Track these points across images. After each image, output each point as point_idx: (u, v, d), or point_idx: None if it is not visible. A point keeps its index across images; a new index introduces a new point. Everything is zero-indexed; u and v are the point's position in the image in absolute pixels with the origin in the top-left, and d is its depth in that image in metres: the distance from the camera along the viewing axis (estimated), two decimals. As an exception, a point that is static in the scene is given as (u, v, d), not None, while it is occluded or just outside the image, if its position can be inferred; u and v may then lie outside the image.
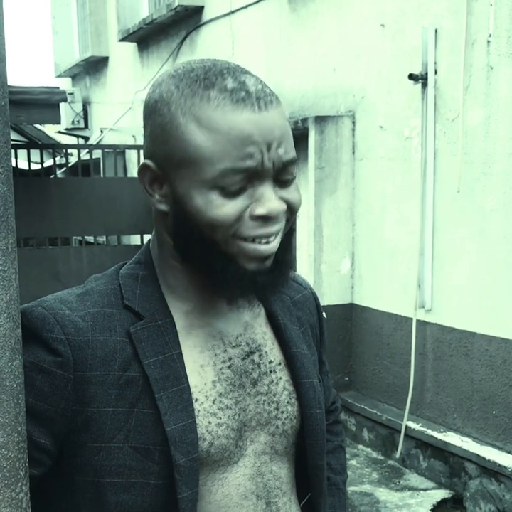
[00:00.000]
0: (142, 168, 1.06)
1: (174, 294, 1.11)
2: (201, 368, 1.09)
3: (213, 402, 1.08)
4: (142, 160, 1.07)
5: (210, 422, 1.07)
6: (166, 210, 1.06)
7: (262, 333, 1.18)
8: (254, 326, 1.17)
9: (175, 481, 1.02)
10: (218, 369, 1.10)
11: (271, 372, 1.16)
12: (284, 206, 1.03)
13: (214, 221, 1.00)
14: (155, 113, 1.03)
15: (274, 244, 1.05)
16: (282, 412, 1.16)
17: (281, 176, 1.03)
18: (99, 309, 1.06)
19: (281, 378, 1.17)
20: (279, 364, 1.17)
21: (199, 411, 1.06)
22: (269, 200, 1.01)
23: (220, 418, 1.08)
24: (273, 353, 1.17)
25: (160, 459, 1.03)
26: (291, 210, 1.07)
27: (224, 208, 1.00)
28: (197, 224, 1.01)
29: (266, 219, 1.02)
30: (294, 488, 1.21)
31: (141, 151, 7.42)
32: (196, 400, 1.07)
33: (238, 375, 1.12)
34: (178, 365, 1.06)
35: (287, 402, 1.16)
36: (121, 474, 1.03)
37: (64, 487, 1.06)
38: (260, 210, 1.01)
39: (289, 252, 1.10)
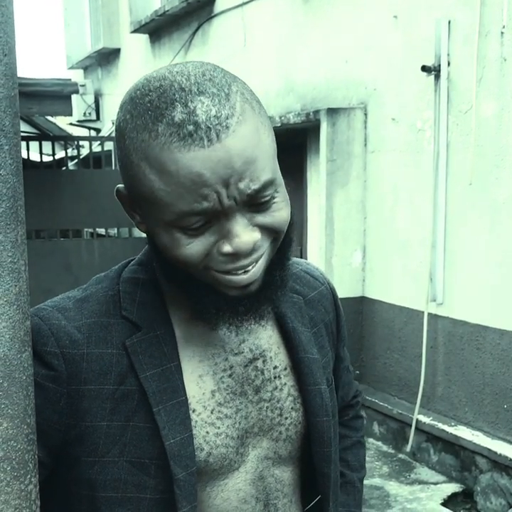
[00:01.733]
0: (117, 193, 1.02)
1: (175, 300, 1.07)
2: (200, 378, 1.06)
3: (212, 412, 1.06)
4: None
5: (207, 432, 1.05)
6: (145, 230, 1.02)
7: (268, 337, 1.14)
8: (258, 330, 1.13)
9: (174, 496, 1.00)
10: (218, 378, 1.08)
11: (275, 378, 1.13)
12: (256, 237, 0.94)
13: (180, 259, 0.95)
14: (118, 142, 0.98)
15: (253, 272, 0.97)
16: (286, 418, 1.13)
17: (253, 204, 0.94)
18: (96, 319, 1.03)
19: (285, 384, 1.14)
20: (285, 369, 1.14)
21: (196, 421, 1.04)
22: (236, 236, 0.93)
23: (219, 428, 1.06)
24: (278, 358, 1.14)
25: (156, 473, 1.01)
26: (275, 231, 0.98)
27: (189, 247, 0.94)
28: (169, 257, 0.97)
29: (236, 255, 0.94)
30: (296, 490, 1.19)
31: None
32: (194, 411, 1.04)
33: (240, 383, 1.10)
34: (176, 377, 1.03)
35: (291, 408, 1.14)
36: (116, 488, 1.01)
37: (61, 498, 1.05)
38: (227, 248, 0.93)
39: (281, 269, 1.02)
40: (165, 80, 0.94)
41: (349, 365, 1.38)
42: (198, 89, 0.90)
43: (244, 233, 0.93)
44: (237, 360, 1.10)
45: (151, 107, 0.91)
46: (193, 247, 0.94)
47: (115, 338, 1.02)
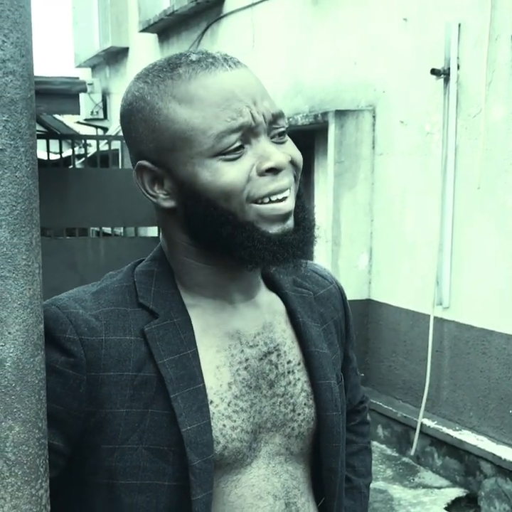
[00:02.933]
0: (138, 170, 1.04)
1: (190, 291, 1.08)
2: (217, 369, 1.07)
3: (228, 405, 1.06)
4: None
5: (224, 425, 1.05)
6: (173, 205, 1.04)
7: (282, 331, 1.15)
8: (273, 324, 1.14)
9: (189, 483, 1.00)
10: (234, 370, 1.08)
11: (289, 372, 1.13)
12: (288, 157, 1.02)
13: (225, 188, 0.98)
14: (133, 113, 1.03)
15: (290, 201, 1.03)
16: (299, 414, 1.13)
17: (275, 129, 1.02)
18: (113, 308, 1.04)
19: (299, 379, 1.14)
20: (299, 364, 1.15)
21: (214, 413, 1.04)
22: (272, 153, 1.00)
23: (235, 421, 1.06)
24: (292, 352, 1.14)
25: (174, 460, 1.01)
26: (295, 166, 1.05)
27: (231, 173, 0.98)
28: (210, 199, 0.99)
29: (275, 171, 1.00)
30: (310, 489, 1.19)
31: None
32: (211, 402, 1.04)
33: (255, 377, 1.10)
34: (194, 364, 1.03)
35: (304, 404, 1.14)
36: (135, 475, 1.01)
37: (76, 490, 1.05)
38: (267, 164, 0.99)
39: (307, 212, 1.07)
40: (166, 57, 1.04)
41: (356, 367, 1.38)
42: (194, 51, 1.03)
43: (278, 152, 1.00)
44: (252, 353, 1.10)
45: (163, 65, 1.01)
46: (235, 173, 0.98)
47: (133, 325, 1.03)
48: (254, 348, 1.10)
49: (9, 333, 0.72)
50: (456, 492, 4.46)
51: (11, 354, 0.73)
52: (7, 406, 0.73)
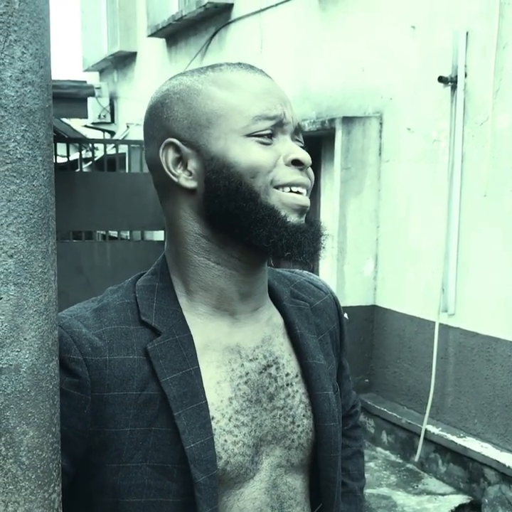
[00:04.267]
0: (165, 147, 1.06)
1: (193, 301, 1.09)
2: (218, 385, 1.07)
3: (229, 420, 1.07)
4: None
5: (226, 441, 1.05)
6: (194, 185, 1.05)
7: (280, 344, 1.16)
8: (272, 337, 1.15)
9: (195, 499, 1.00)
10: (235, 385, 1.09)
11: (287, 385, 1.14)
12: (310, 160, 1.07)
13: (255, 164, 1.02)
14: (168, 96, 1.07)
15: (307, 198, 1.07)
16: (298, 426, 1.14)
17: (296, 137, 1.09)
18: (116, 326, 1.04)
19: (297, 391, 1.15)
20: (296, 376, 1.16)
21: (215, 429, 1.04)
22: (298, 150, 1.06)
23: (236, 436, 1.07)
24: (290, 365, 1.15)
25: (178, 477, 1.02)
26: (310, 176, 1.09)
27: (261, 153, 1.03)
28: (237, 173, 1.02)
29: (300, 165, 1.05)
30: (308, 498, 1.19)
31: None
32: (213, 418, 1.05)
33: (255, 391, 1.11)
34: (196, 381, 1.04)
35: (303, 416, 1.15)
36: (140, 493, 1.02)
37: (83, 508, 1.05)
38: (295, 155, 1.05)
39: (317, 217, 1.12)
40: None
41: (349, 374, 1.40)
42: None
43: (303, 151, 1.07)
44: (252, 367, 1.11)
45: (205, 66, 1.09)
46: (264, 154, 1.03)
47: (136, 344, 1.03)
48: (253, 362, 1.11)
49: (25, 339, 0.74)
50: (460, 499, 4.46)
51: (26, 360, 0.74)
52: (22, 411, 0.74)
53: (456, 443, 4.52)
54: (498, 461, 4.21)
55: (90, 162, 8.62)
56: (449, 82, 4.44)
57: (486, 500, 4.29)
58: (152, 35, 8.85)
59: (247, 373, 1.10)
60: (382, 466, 4.96)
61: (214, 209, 1.05)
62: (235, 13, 7.22)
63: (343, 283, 5.26)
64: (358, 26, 5.39)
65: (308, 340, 1.18)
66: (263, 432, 1.11)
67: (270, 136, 1.04)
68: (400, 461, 5.03)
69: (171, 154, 1.06)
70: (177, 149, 1.05)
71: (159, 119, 1.08)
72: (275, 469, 1.12)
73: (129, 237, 7.96)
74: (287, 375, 1.14)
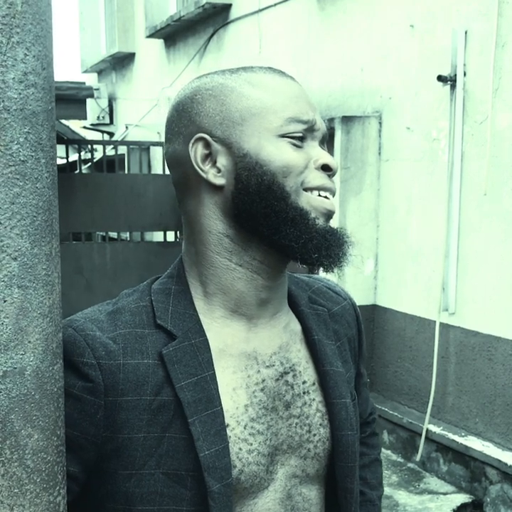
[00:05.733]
0: (195, 142, 1.04)
1: (211, 305, 1.07)
2: (234, 391, 1.05)
3: (244, 428, 1.04)
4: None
5: (240, 449, 1.03)
6: (222, 183, 1.04)
7: (297, 350, 1.13)
8: (289, 343, 1.13)
9: (208, 508, 0.98)
10: (251, 392, 1.06)
11: (304, 393, 1.12)
12: (335, 163, 1.08)
13: (288, 165, 1.02)
14: (199, 92, 1.06)
15: (334, 203, 1.08)
16: (314, 435, 1.11)
17: (322, 145, 1.09)
18: (130, 330, 1.02)
19: (314, 399, 1.13)
20: (313, 384, 1.13)
21: (230, 437, 1.02)
22: (328, 155, 1.07)
23: (251, 444, 1.04)
24: (307, 372, 1.13)
25: (192, 485, 1.00)
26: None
27: (294, 154, 1.03)
28: (270, 172, 1.02)
29: (328, 170, 1.06)
30: (322, 509, 1.17)
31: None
32: (228, 426, 1.03)
33: (271, 398, 1.08)
34: (212, 387, 1.02)
35: (319, 425, 1.12)
36: (152, 501, 1.00)
37: None
38: (323, 160, 1.06)
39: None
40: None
41: (367, 382, 1.38)
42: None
43: (332, 157, 1.08)
44: (268, 373, 1.09)
45: (235, 68, 1.09)
46: (297, 155, 1.03)
47: (150, 348, 1.02)
48: (270, 369, 1.09)
49: (29, 341, 0.73)
50: (462, 498, 4.46)
51: (30, 363, 0.74)
52: (26, 414, 0.74)
53: (457, 442, 4.52)
54: (499, 460, 4.21)
55: (89, 163, 8.62)
56: (448, 81, 4.44)
57: (488, 500, 4.29)
58: (150, 36, 8.85)
59: (263, 380, 1.08)
60: (384, 465, 4.95)
61: (243, 207, 1.03)
62: (234, 14, 7.21)
63: (343, 282, 5.26)
64: (357, 26, 5.39)
65: (326, 346, 1.15)
66: (278, 441, 1.08)
67: (301, 139, 1.05)
68: (402, 460, 5.03)
69: (200, 150, 1.04)
70: (207, 145, 1.04)
71: (188, 114, 1.06)
72: (290, 479, 1.10)
73: (128, 238, 7.95)
74: (304, 382, 1.12)
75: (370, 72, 5.27)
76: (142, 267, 7.40)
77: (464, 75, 4.41)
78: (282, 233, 1.02)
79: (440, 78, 4.45)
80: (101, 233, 8.15)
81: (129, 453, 0.99)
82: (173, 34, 8.52)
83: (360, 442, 1.34)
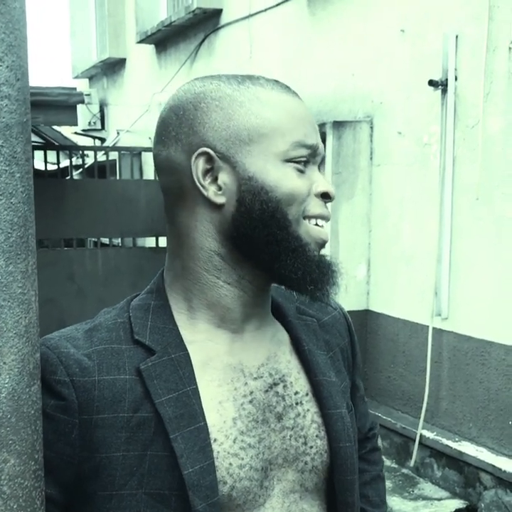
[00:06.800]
0: (197, 156, 1.00)
1: (193, 319, 1.04)
2: (220, 405, 1.01)
3: (234, 442, 1.00)
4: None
5: (231, 464, 0.99)
6: (223, 201, 1.00)
7: (286, 361, 1.10)
8: (277, 354, 1.10)
9: None
10: (239, 404, 1.03)
11: (297, 404, 1.08)
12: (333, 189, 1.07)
13: (293, 191, 1.00)
14: (204, 101, 1.01)
15: (327, 232, 1.07)
16: (311, 447, 1.07)
17: (321, 168, 1.08)
18: (106, 346, 0.99)
19: (308, 410, 1.09)
20: (306, 395, 1.09)
21: (219, 452, 0.98)
22: (327, 183, 1.05)
23: (242, 459, 1.00)
24: (299, 383, 1.09)
25: (177, 504, 0.96)
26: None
27: (299, 181, 1.01)
28: (274, 199, 0.99)
29: (326, 198, 1.05)
30: None
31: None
32: (215, 441, 0.98)
33: (261, 410, 1.04)
34: (194, 402, 0.98)
35: (316, 436, 1.08)
36: None
37: None
38: (322, 187, 1.04)
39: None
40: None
41: (364, 395, 1.34)
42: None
43: (330, 184, 1.06)
44: (257, 385, 1.05)
45: (236, 76, 1.04)
46: (301, 181, 1.01)
47: (128, 363, 0.99)
48: (258, 380, 1.06)
49: (4, 363, 0.71)
50: (456, 504, 4.44)
51: (6, 385, 0.71)
52: (2, 438, 0.71)
53: (451, 447, 4.50)
54: (493, 466, 4.19)
55: (81, 169, 8.59)
56: (440, 85, 4.43)
57: (483, 505, 4.27)
58: (141, 41, 8.82)
59: (251, 392, 1.04)
60: (378, 471, 4.93)
61: (244, 231, 1.00)
62: (224, 19, 7.19)
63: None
64: (348, 31, 5.38)
65: (318, 356, 1.12)
66: (273, 455, 1.04)
67: (305, 163, 1.02)
68: (395, 466, 5.01)
69: (202, 164, 1.00)
70: (209, 160, 1.00)
71: (190, 121, 1.01)
72: (288, 495, 1.06)
73: (120, 244, 7.92)
74: (296, 393, 1.09)
75: (361, 77, 5.26)
76: (134, 273, 7.37)
77: (456, 79, 4.40)
78: (282, 263, 1.01)
79: (431, 83, 4.44)
80: (93, 239, 8.12)
81: (108, 473, 0.95)
82: (164, 39, 8.50)
83: (361, 458, 1.31)
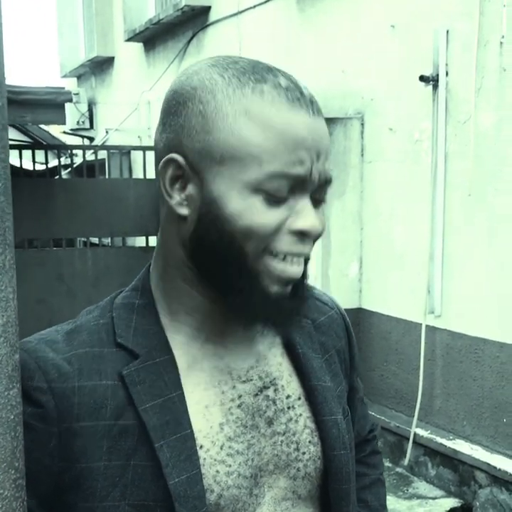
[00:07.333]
0: (166, 163, 0.92)
1: (176, 321, 0.98)
2: (206, 409, 0.96)
3: (221, 448, 0.95)
4: (163, 156, 0.93)
5: (218, 471, 0.94)
6: (186, 214, 0.92)
7: (278, 364, 1.04)
8: (267, 356, 1.04)
9: None
10: (226, 409, 0.97)
11: (289, 408, 1.02)
12: (321, 227, 0.93)
13: (252, 229, 0.89)
14: (192, 100, 0.90)
15: (300, 269, 0.94)
16: (303, 453, 1.02)
17: (319, 193, 0.94)
18: (87, 349, 0.94)
19: (301, 415, 1.03)
20: (299, 399, 1.04)
21: (205, 459, 0.93)
22: (310, 215, 0.91)
23: (230, 466, 0.95)
24: (291, 386, 1.04)
25: None
26: (318, 235, 0.96)
27: (265, 216, 0.89)
28: (230, 231, 0.89)
29: (303, 235, 0.92)
30: None
31: (147, 152, 7.41)
32: (201, 447, 0.93)
33: (250, 415, 0.99)
34: (180, 408, 0.93)
35: (309, 442, 1.02)
36: None
37: None
38: (302, 224, 0.91)
39: (305, 278, 0.99)
40: (245, 58, 0.96)
41: (363, 396, 1.29)
42: (281, 72, 0.95)
43: (316, 217, 0.93)
44: (245, 389, 1.00)
45: (247, 71, 0.91)
46: (268, 218, 0.89)
47: (109, 368, 0.93)
48: (247, 383, 1.00)
49: (-20, 365, 0.66)
50: (451, 502, 4.41)
51: (-18, 388, 0.67)
52: (-21, 445, 0.67)
53: (445, 446, 4.48)
54: (488, 464, 4.17)
55: (69, 169, 8.54)
56: (431, 81, 4.40)
57: (478, 504, 4.24)
58: (129, 39, 8.78)
59: (240, 396, 0.99)
60: (372, 470, 4.90)
61: (197, 250, 0.94)
62: (213, 16, 7.16)
63: (327, 286, 5.21)
64: (338, 27, 5.34)
65: (312, 360, 1.07)
66: (263, 461, 0.99)
67: (290, 192, 0.90)
68: (390, 465, 4.98)
69: (172, 171, 0.92)
70: (180, 167, 0.91)
71: (175, 119, 0.92)
72: (280, 503, 1.01)
73: (110, 244, 7.88)
74: (288, 397, 1.03)
75: (351, 74, 5.23)
76: (124, 273, 7.33)
77: (447, 74, 4.37)
78: (233, 295, 0.93)
79: (422, 78, 4.41)
80: (82, 239, 8.07)
81: (90, 484, 0.90)
82: (153, 37, 8.45)
83: (361, 462, 1.26)
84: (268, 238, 0.90)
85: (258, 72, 0.91)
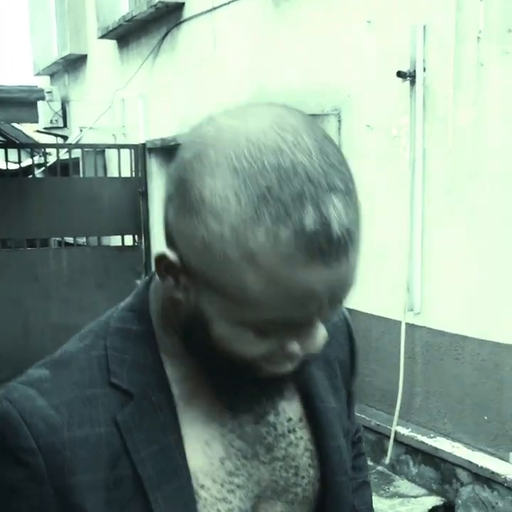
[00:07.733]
0: (160, 259, 0.81)
1: (173, 355, 0.91)
2: (206, 445, 0.90)
3: (222, 486, 0.90)
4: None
5: (219, 510, 0.90)
6: (180, 298, 0.83)
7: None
8: None
9: None
10: (227, 442, 0.92)
11: (290, 431, 0.97)
12: (320, 345, 0.84)
13: (239, 355, 0.82)
14: (197, 216, 0.76)
15: (292, 367, 0.87)
16: (303, 477, 0.98)
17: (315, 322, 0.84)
18: (78, 392, 0.86)
19: (301, 438, 0.98)
20: (300, 420, 0.99)
21: (206, 499, 0.89)
22: (313, 337, 0.82)
23: (230, 502, 0.91)
24: (291, 408, 0.99)
25: None
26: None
27: (253, 346, 0.81)
28: (218, 347, 0.83)
29: (297, 357, 0.84)
30: None
31: (122, 151, 7.33)
32: (202, 487, 0.89)
33: (251, 444, 0.94)
34: (177, 453, 0.87)
35: (309, 465, 0.98)
36: None
37: None
38: (295, 348, 0.82)
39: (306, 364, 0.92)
40: (282, 154, 0.74)
41: (354, 399, 1.24)
42: (326, 182, 0.76)
43: (321, 336, 0.83)
44: (246, 418, 0.94)
45: (270, 196, 0.72)
46: (258, 347, 0.81)
47: (102, 413, 0.86)
48: (248, 412, 0.94)
49: None
50: (433, 501, 4.39)
51: None
52: None
53: (426, 444, 4.46)
54: (470, 461, 4.15)
55: (43, 168, 8.44)
56: (408, 76, 4.37)
57: (460, 502, 4.23)
58: (103, 36, 8.68)
59: (240, 425, 0.94)
60: (353, 469, 4.87)
61: (186, 337, 0.87)
62: (187, 13, 7.08)
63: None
64: (313, 22, 5.29)
65: (315, 378, 1.02)
66: (261, 489, 0.95)
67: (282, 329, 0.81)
68: (371, 463, 4.95)
69: (167, 262, 0.81)
70: (173, 265, 0.81)
71: (178, 214, 0.78)
72: None
73: (85, 243, 7.80)
74: (289, 420, 0.98)
75: (327, 70, 5.19)
76: (100, 272, 7.28)
77: (424, 70, 4.34)
78: (220, 379, 0.89)
79: (399, 74, 4.37)
80: (56, 239, 7.98)
81: None
82: (126, 34, 8.36)
83: None
84: (259, 360, 0.83)
85: (281, 199, 0.73)
